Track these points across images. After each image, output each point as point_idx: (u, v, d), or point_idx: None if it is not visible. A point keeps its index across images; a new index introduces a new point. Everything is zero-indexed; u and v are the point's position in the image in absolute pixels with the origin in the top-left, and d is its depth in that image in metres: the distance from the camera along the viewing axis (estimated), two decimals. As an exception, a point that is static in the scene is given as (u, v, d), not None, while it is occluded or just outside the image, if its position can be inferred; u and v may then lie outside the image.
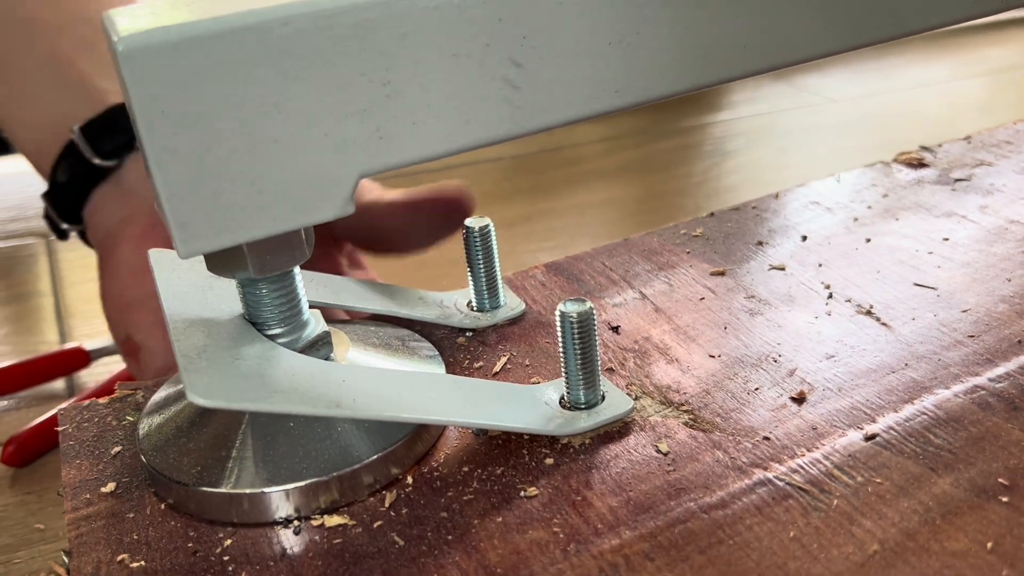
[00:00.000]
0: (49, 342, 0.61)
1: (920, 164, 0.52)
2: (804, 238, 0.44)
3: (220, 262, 0.30)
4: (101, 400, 0.37)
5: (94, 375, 0.55)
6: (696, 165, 0.87)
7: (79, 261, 0.73)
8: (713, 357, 0.36)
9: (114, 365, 0.55)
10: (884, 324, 0.37)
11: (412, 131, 0.28)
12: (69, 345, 0.55)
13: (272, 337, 0.31)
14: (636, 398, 0.34)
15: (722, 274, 0.42)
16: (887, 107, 0.99)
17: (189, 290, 0.33)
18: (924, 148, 0.54)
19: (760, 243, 0.44)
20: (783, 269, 0.42)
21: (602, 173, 0.86)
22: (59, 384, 0.55)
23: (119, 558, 0.29)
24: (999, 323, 0.36)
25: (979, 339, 0.36)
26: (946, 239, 0.43)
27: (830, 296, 0.39)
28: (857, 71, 1.12)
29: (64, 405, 0.38)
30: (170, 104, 0.25)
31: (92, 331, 0.61)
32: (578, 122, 0.31)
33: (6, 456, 0.46)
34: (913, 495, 0.28)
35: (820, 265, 0.42)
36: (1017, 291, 0.39)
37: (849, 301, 0.39)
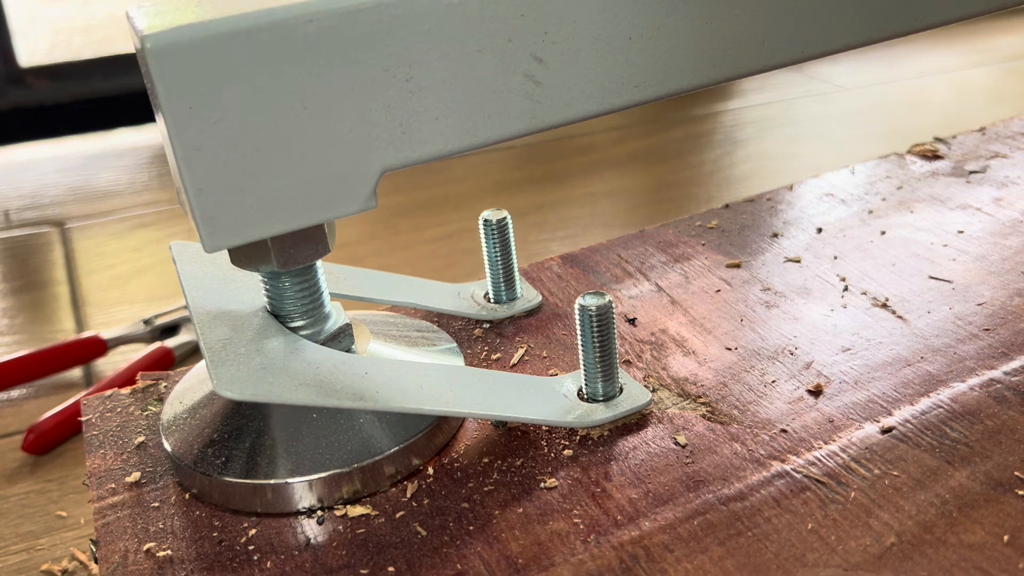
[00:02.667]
0: (66, 330, 0.61)
1: (934, 156, 0.52)
2: (819, 230, 0.45)
3: (244, 256, 0.30)
4: (124, 390, 0.37)
5: (111, 363, 0.56)
6: (707, 154, 0.87)
7: (95, 249, 0.73)
8: (730, 349, 0.36)
9: (131, 354, 0.56)
10: (900, 317, 0.37)
11: (434, 126, 0.28)
12: (86, 334, 0.56)
13: (295, 329, 0.32)
14: (654, 390, 0.34)
15: (738, 266, 0.42)
16: (897, 96, 0.99)
17: (212, 283, 0.33)
18: (938, 140, 0.54)
19: (775, 235, 0.44)
20: (799, 261, 0.42)
21: (613, 162, 0.87)
22: (76, 373, 0.56)
23: (145, 547, 0.29)
24: (1014, 316, 0.37)
25: (994, 332, 0.36)
26: (961, 232, 0.43)
27: (846, 289, 0.39)
28: (867, 59, 1.11)
29: (84, 394, 0.39)
30: (197, 101, 0.25)
31: (109, 319, 0.62)
32: (597, 116, 0.31)
33: (27, 444, 0.47)
34: (930, 488, 0.28)
35: (835, 258, 0.42)
36: (1032, 284, 0.39)
37: (865, 294, 0.39)
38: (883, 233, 0.44)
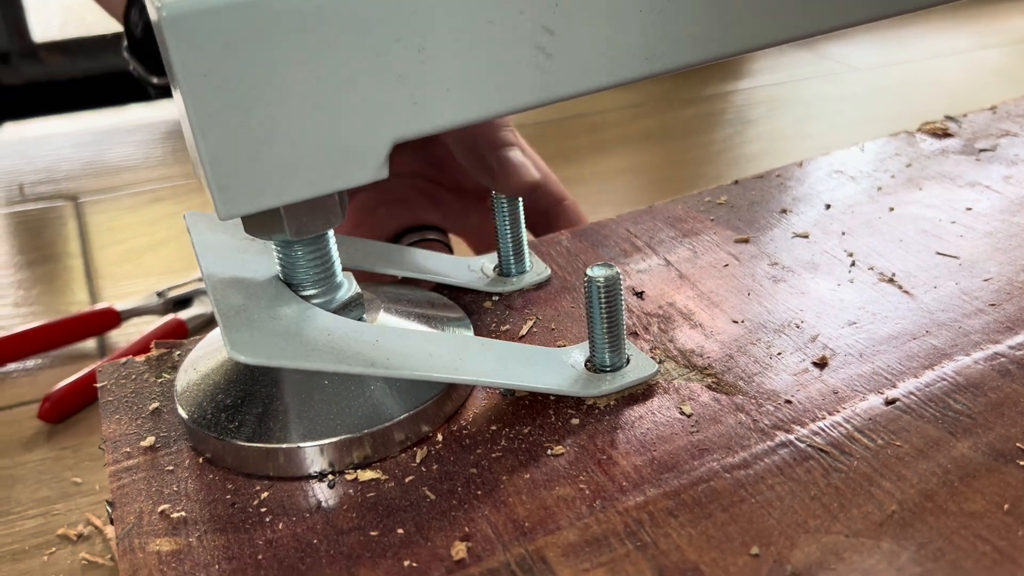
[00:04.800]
0: (79, 302, 0.62)
1: (944, 134, 0.52)
2: (828, 207, 0.45)
3: (257, 224, 0.30)
4: (138, 358, 0.38)
5: (125, 335, 0.56)
6: (718, 133, 0.87)
7: (108, 223, 0.74)
8: (736, 322, 0.36)
9: (144, 325, 0.56)
10: (906, 292, 0.37)
11: (446, 96, 0.28)
12: (100, 306, 0.57)
13: (307, 298, 0.32)
14: (660, 361, 0.34)
15: (746, 241, 0.42)
16: (910, 76, 0.99)
17: (226, 251, 0.34)
18: (949, 118, 0.54)
19: (784, 211, 0.45)
20: (807, 237, 0.42)
21: (624, 140, 0.87)
22: (90, 344, 0.56)
23: (160, 508, 0.30)
24: (1020, 292, 0.37)
25: (1000, 307, 0.36)
26: (969, 209, 0.44)
27: (853, 264, 0.40)
28: (879, 39, 1.11)
29: (100, 363, 0.39)
30: (212, 69, 0.25)
31: (122, 292, 0.62)
32: (608, 89, 0.31)
33: (42, 412, 0.47)
34: (932, 458, 0.29)
35: (843, 233, 0.42)
36: (1039, 261, 0.39)
37: (872, 269, 0.39)
38: (891, 210, 0.44)
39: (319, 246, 0.32)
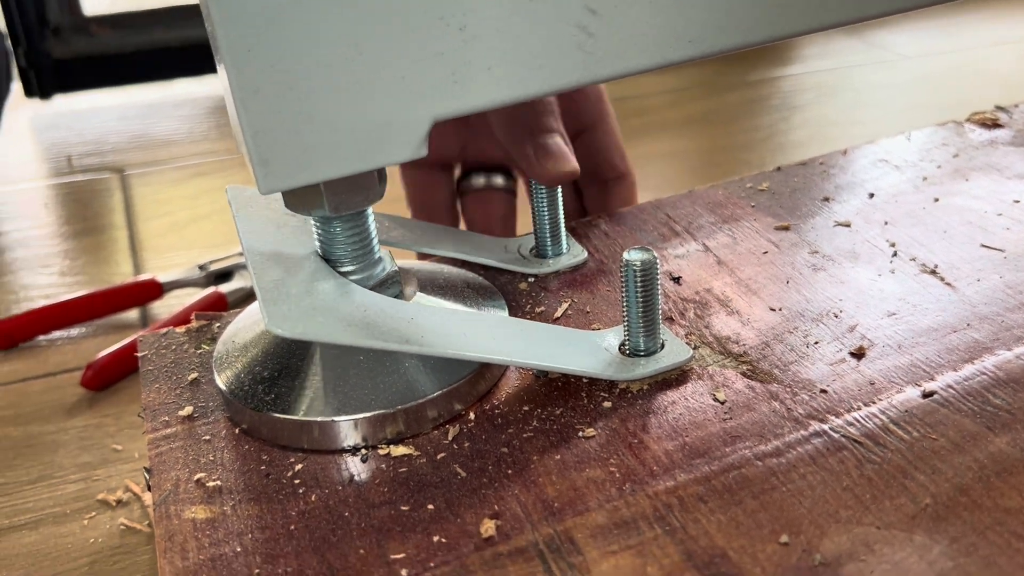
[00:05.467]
0: (123, 273, 0.63)
1: (994, 124, 0.51)
2: (871, 195, 0.44)
3: (297, 199, 0.31)
4: (179, 329, 0.38)
5: (167, 306, 0.57)
6: (763, 119, 0.86)
7: (153, 196, 0.75)
8: (774, 310, 0.36)
9: (186, 297, 0.57)
10: (948, 284, 0.37)
11: (487, 76, 0.28)
12: (143, 277, 0.57)
13: (345, 274, 0.32)
14: (695, 347, 0.34)
15: (787, 229, 0.42)
16: (961, 65, 0.97)
17: (266, 226, 0.34)
18: (999, 108, 0.53)
19: (826, 199, 0.44)
20: (848, 226, 0.42)
21: (668, 125, 0.86)
22: (133, 314, 0.57)
23: (196, 477, 0.30)
24: (1067, 287, 0.36)
25: (1045, 302, 0.35)
26: (1017, 201, 0.43)
27: (895, 254, 0.39)
28: (930, 27, 1.09)
29: (141, 333, 0.40)
30: (256, 43, 0.26)
31: (165, 264, 0.63)
32: (650, 71, 0.31)
33: (85, 379, 0.48)
34: (968, 452, 0.29)
35: (886, 223, 0.42)
36: (1087, 256, 0.38)
37: (914, 260, 0.39)
38: (936, 200, 0.43)
39: (358, 223, 0.32)
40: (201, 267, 0.58)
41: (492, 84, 0.29)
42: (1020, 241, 0.39)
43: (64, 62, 0.90)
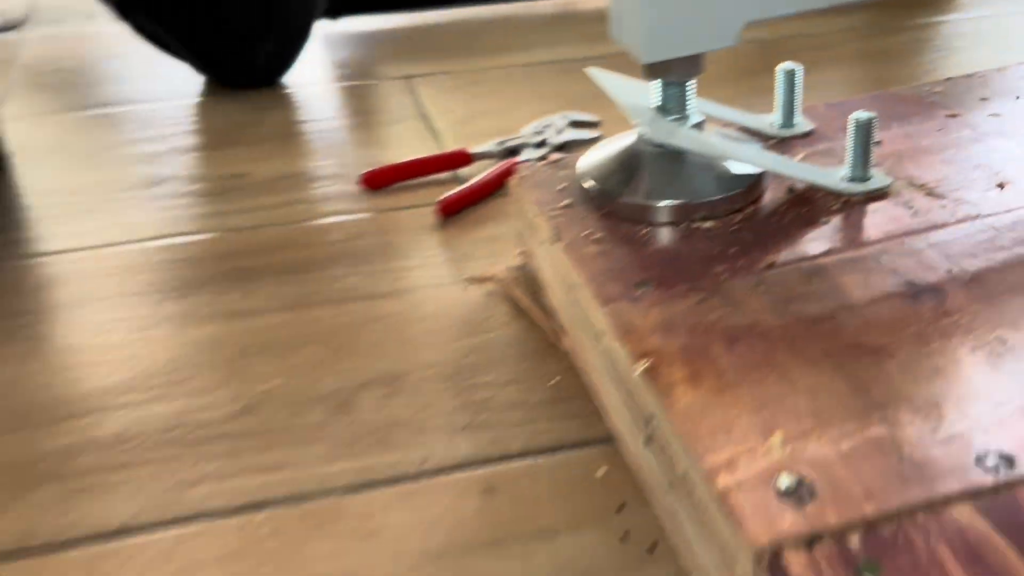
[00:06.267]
0: (429, 149, 0.84)
1: (1120, 54, 0.67)
2: (1017, 98, 0.62)
3: (653, 71, 0.51)
4: (541, 163, 0.59)
5: (473, 171, 0.78)
6: (925, 56, 1.02)
7: (435, 98, 0.96)
8: (943, 164, 0.55)
9: (487, 166, 0.78)
10: (1068, 152, 0.55)
11: (783, -4, 0.48)
12: (455, 148, 0.79)
13: (674, 120, 0.52)
14: (894, 180, 0.53)
15: (954, 116, 0.60)
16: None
17: (624, 87, 0.55)
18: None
19: (983, 99, 0.62)
20: (998, 116, 0.59)
21: (840, 59, 1.03)
22: (444, 176, 0.78)
23: (583, 233, 0.51)
24: None
25: None
26: None
27: (1032, 134, 0.57)
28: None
29: (518, 159, 0.61)
30: (661, -28, 0.46)
31: (467, 143, 0.84)
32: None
33: (441, 207, 0.70)
34: (1068, 236, 0.47)
35: (1027, 115, 0.59)
36: None
37: (1046, 137, 0.56)
38: (1067, 102, 0.60)
39: (687, 87, 0.52)
40: (498, 144, 0.79)
41: (781, 2, 0.48)
42: (1124, 129, 0.56)
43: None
